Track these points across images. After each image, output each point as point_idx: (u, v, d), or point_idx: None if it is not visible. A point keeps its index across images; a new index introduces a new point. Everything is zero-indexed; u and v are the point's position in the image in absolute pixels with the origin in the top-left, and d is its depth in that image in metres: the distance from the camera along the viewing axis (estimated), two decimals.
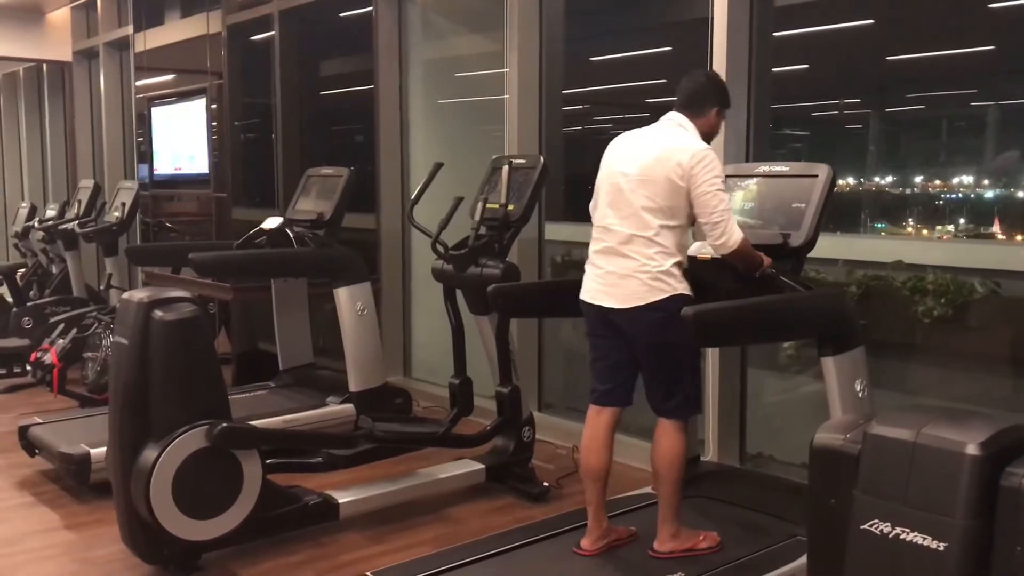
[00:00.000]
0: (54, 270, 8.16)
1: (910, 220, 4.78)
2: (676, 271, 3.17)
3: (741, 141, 4.41)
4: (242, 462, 3.55)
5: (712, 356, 4.38)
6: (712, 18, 4.36)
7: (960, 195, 4.63)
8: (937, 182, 4.77)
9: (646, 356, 3.26)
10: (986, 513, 1.76)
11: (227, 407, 3.57)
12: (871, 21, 4.63)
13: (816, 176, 3.36)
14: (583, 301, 3.35)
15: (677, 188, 3.12)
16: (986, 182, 4.48)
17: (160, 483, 3.35)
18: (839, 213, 4.88)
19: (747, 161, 4.36)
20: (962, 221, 4.63)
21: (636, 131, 3.36)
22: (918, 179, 4.84)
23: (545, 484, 4.41)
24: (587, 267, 3.37)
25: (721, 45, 4.31)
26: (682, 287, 3.17)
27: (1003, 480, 1.75)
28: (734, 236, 3.08)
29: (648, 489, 3.99)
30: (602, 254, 3.28)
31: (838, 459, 1.96)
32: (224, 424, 3.47)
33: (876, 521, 1.82)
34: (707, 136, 3.31)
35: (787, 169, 3.50)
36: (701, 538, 3.38)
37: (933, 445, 1.80)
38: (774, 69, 4.68)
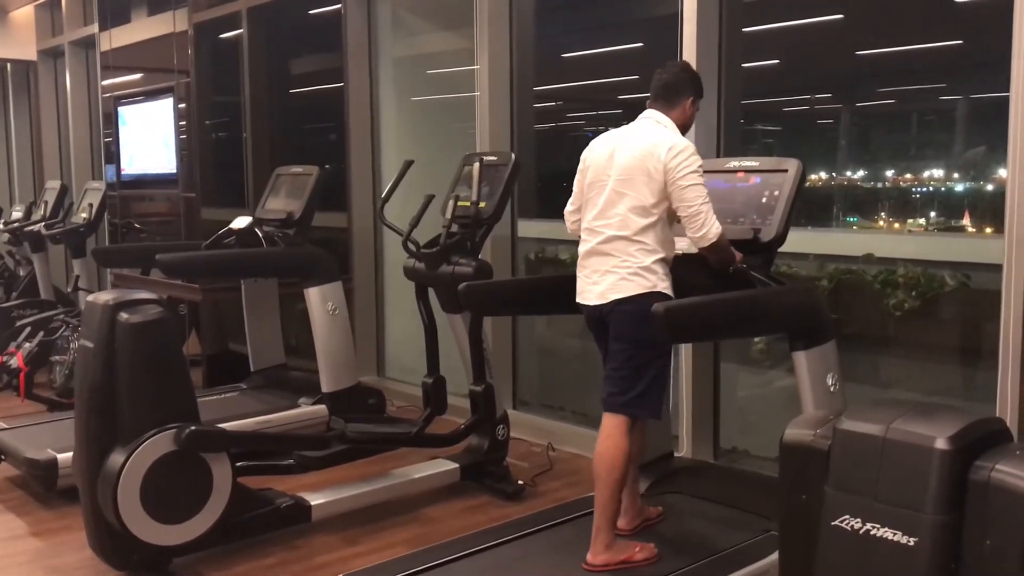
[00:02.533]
0: (21, 272, 8.04)
1: (882, 213, 4.80)
2: (658, 268, 3.15)
3: (712, 136, 4.41)
4: (211, 465, 3.50)
5: (685, 352, 4.39)
6: (682, 13, 4.35)
7: (931, 188, 4.65)
8: (908, 176, 4.79)
9: (613, 347, 3.21)
10: (956, 507, 1.76)
11: (196, 410, 3.52)
12: (840, 16, 4.64)
13: (786, 171, 3.36)
14: (579, 303, 3.33)
15: (658, 184, 3.11)
16: (956, 175, 4.51)
17: (128, 488, 3.30)
18: (811, 207, 4.90)
19: (718, 156, 4.37)
20: (933, 214, 4.65)
21: (614, 131, 3.35)
22: (889, 173, 4.86)
23: (520, 482, 4.40)
24: (577, 268, 3.35)
25: (691, 40, 4.32)
26: (663, 285, 3.14)
27: (972, 474, 1.75)
28: (713, 228, 3.07)
29: None
30: (588, 254, 3.27)
31: (808, 455, 1.96)
32: (192, 427, 3.43)
33: (847, 517, 1.82)
34: (683, 128, 3.31)
35: (757, 164, 3.49)
36: (637, 549, 3.26)
37: (903, 440, 1.80)
38: (745, 64, 4.69)
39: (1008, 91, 3.32)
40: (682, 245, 3.25)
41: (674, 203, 3.11)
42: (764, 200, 3.37)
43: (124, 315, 3.33)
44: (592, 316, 3.28)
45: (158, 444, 3.37)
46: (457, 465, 4.38)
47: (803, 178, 3.36)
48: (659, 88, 3.32)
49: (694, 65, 4.26)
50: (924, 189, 4.67)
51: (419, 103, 6.37)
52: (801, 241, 4.24)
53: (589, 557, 3.20)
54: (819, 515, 1.89)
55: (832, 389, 3.20)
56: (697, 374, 4.43)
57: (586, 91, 6.14)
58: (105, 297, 3.42)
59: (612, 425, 3.20)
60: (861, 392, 4.19)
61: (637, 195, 3.14)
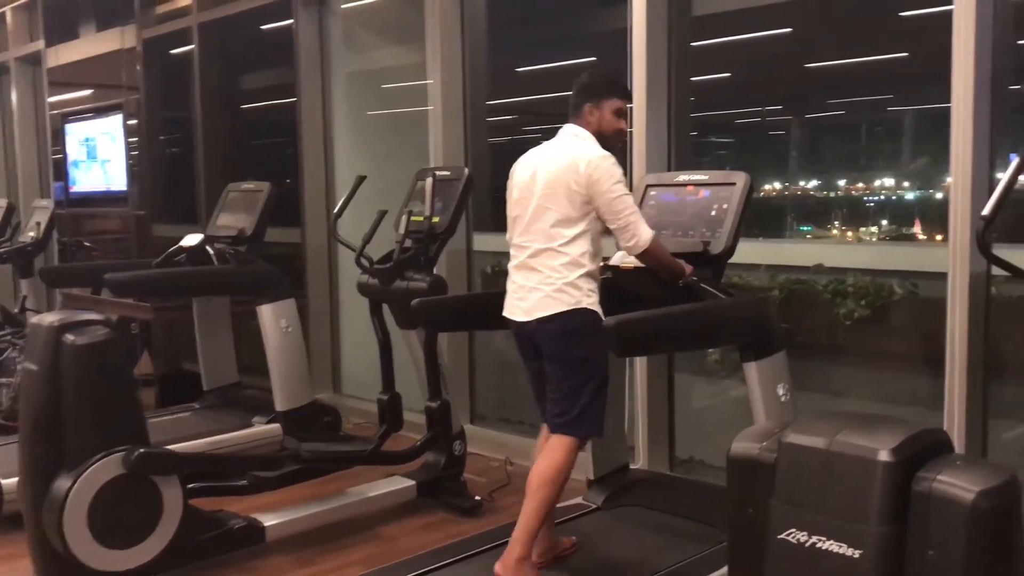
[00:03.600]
0: None
1: (835, 222, 4.87)
2: (583, 283, 3.13)
3: (663, 150, 4.44)
4: (161, 488, 3.44)
5: (640, 363, 4.40)
6: (631, 28, 4.38)
7: (882, 197, 4.73)
8: (860, 185, 4.87)
9: (548, 368, 3.21)
10: (899, 519, 1.78)
11: (145, 432, 3.46)
12: (789, 29, 4.71)
13: (734, 184, 3.39)
14: (504, 317, 3.33)
15: (579, 197, 3.12)
16: (906, 184, 4.59)
17: (74, 513, 3.23)
18: (765, 217, 4.96)
19: (668, 169, 4.40)
20: (885, 222, 4.72)
21: (535, 149, 3.35)
22: (841, 183, 4.94)
23: (477, 498, 4.38)
24: (507, 283, 3.35)
25: (640, 55, 4.35)
26: (589, 301, 3.13)
27: (915, 485, 1.77)
28: (644, 235, 3.09)
29: (579, 499, 3.99)
30: (516, 269, 3.28)
31: (755, 468, 1.97)
32: (141, 450, 3.37)
33: (793, 530, 1.83)
34: (605, 137, 3.26)
35: (706, 177, 3.52)
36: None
37: (846, 452, 1.81)
38: (697, 78, 4.74)
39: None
40: (631, 259, 3.26)
41: (603, 216, 3.12)
42: (713, 213, 3.40)
43: (70, 337, 3.27)
44: (519, 332, 3.27)
45: (106, 468, 3.30)
46: (413, 482, 4.35)
47: (751, 191, 3.38)
48: (569, 105, 3.33)
49: (643, 79, 4.32)
50: (876, 198, 4.75)
51: (373, 118, 6.34)
52: (752, 252, 4.30)
53: (497, 568, 3.13)
54: (766, 529, 1.90)
55: (783, 399, 3.22)
56: (652, 385, 4.44)
57: (542, 105, 6.16)
58: (50, 318, 3.36)
59: (557, 443, 3.18)
60: (813, 401, 4.23)
61: (561, 209, 3.14)
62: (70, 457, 3.28)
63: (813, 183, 5.13)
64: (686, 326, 3.01)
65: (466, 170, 4.34)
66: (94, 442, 3.30)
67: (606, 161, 3.13)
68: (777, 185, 5.21)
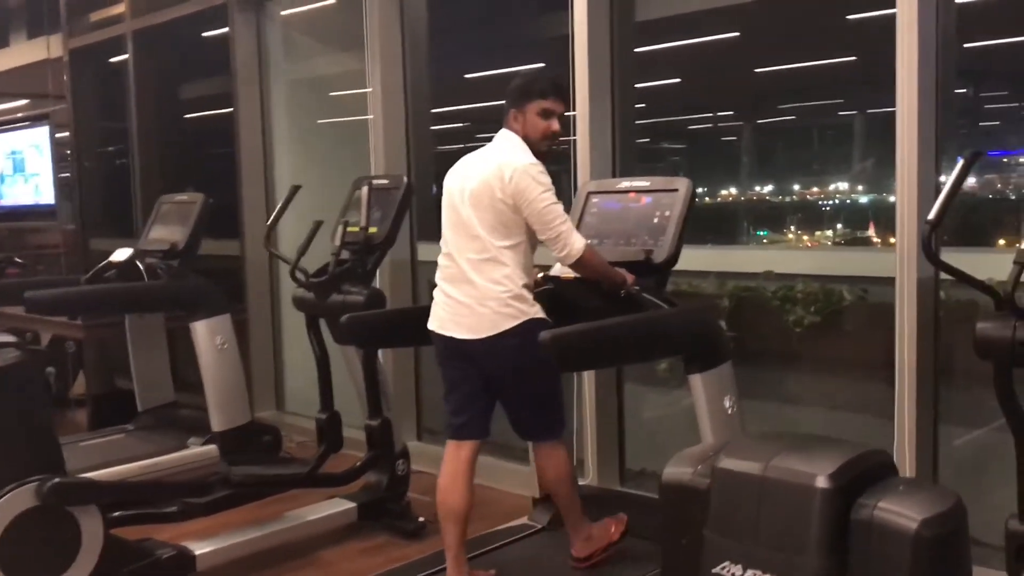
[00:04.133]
0: None
1: (791, 227, 4.82)
2: (526, 293, 3.08)
3: (607, 156, 4.33)
4: (79, 519, 3.25)
5: (588, 374, 4.28)
6: (572, 34, 4.29)
7: (837, 201, 4.69)
8: (815, 189, 4.83)
9: (507, 384, 3.15)
10: (839, 549, 1.66)
11: (60, 460, 3.27)
12: (736, 34, 4.64)
13: (676, 190, 3.29)
14: (431, 330, 3.22)
15: (505, 206, 3.04)
16: (860, 188, 4.55)
17: None
18: (721, 223, 4.90)
19: (614, 176, 4.29)
20: (840, 226, 4.68)
21: (467, 157, 3.27)
22: (796, 187, 4.89)
23: (421, 519, 4.21)
24: (435, 294, 3.24)
25: (582, 61, 4.25)
26: (534, 311, 3.09)
27: (854, 513, 1.66)
28: (575, 245, 3.00)
29: (524, 519, 3.86)
30: (448, 281, 3.17)
31: (687, 495, 1.84)
32: (56, 479, 3.17)
33: (727, 564, 1.71)
34: (532, 142, 3.15)
35: (648, 184, 3.42)
36: (612, 529, 3.42)
37: (782, 478, 1.69)
38: (646, 84, 4.65)
39: None
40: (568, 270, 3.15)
41: (533, 226, 3.04)
42: (656, 220, 3.30)
43: None
44: (452, 347, 3.17)
45: (17, 500, 3.12)
46: (354, 504, 4.19)
47: (694, 197, 3.30)
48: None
49: (586, 86, 4.21)
50: (831, 202, 4.71)
51: (315, 127, 6.18)
52: (701, 259, 4.22)
53: (574, 552, 3.37)
54: (700, 560, 1.77)
55: (730, 411, 3.12)
56: (600, 397, 4.33)
57: (492, 112, 6.05)
58: None
59: (548, 449, 3.26)
60: (764, 409, 4.16)
61: (490, 220, 3.06)
62: None
63: (768, 188, 5.08)
64: (627, 338, 2.90)
65: (405, 178, 4.21)
66: (4, 472, 3.11)
67: (532, 169, 3.03)
68: (733, 190, 5.15)
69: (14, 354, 3.16)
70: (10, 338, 3.25)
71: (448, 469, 3.26)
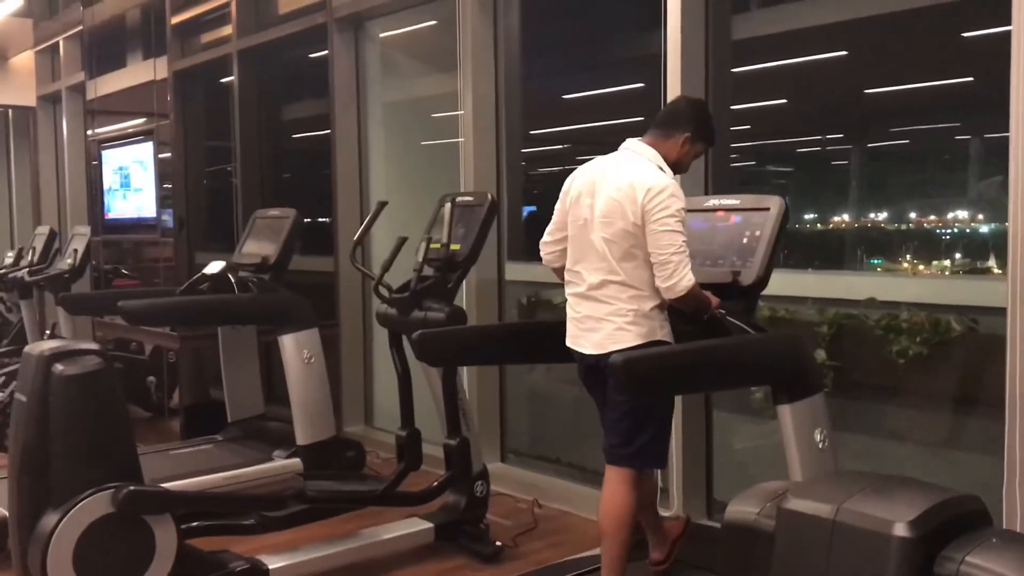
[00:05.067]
0: (14, 319, 7.92)
1: (907, 256, 4.60)
2: (655, 314, 2.99)
3: (699, 179, 4.19)
4: (154, 528, 3.28)
5: (676, 401, 4.12)
6: (665, 53, 4.18)
7: (956, 230, 4.46)
8: (932, 217, 4.60)
9: (615, 399, 3.03)
10: None
11: (137, 468, 3.30)
12: (844, 53, 4.45)
13: (768, 209, 3.13)
14: (567, 347, 3.17)
15: (636, 227, 2.95)
16: (981, 216, 4.31)
17: (59, 553, 3.09)
18: (831, 250, 4.71)
19: None
20: (958, 256, 4.45)
21: (592, 165, 3.17)
22: (912, 214, 4.67)
23: (498, 543, 4.13)
24: (567, 309, 3.20)
25: (675, 81, 4.13)
26: (663, 332, 2.99)
27: (937, 567, 1.46)
28: (684, 281, 2.88)
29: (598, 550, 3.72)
30: (577, 298, 3.14)
31: (751, 537, 1.69)
32: (132, 487, 3.21)
33: None
34: (676, 165, 3.14)
35: (738, 203, 3.27)
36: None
37: (855, 524, 1.51)
38: (751, 104, 4.54)
39: None
40: None
41: (648, 246, 2.93)
42: (745, 241, 3.14)
43: (60, 367, 3.14)
44: (586, 365, 3.13)
45: (94, 506, 3.15)
46: (431, 525, 4.12)
47: (787, 217, 3.13)
48: (657, 118, 3.18)
49: None
50: (949, 231, 4.48)
51: (409, 147, 6.21)
52: (799, 284, 4.08)
53: None
54: None
55: (821, 446, 2.94)
56: (688, 425, 4.17)
57: (590, 133, 5.99)
58: (43, 347, 3.24)
59: (617, 479, 3.09)
60: (863, 444, 3.94)
61: (621, 239, 2.98)
62: (57, 493, 3.14)
63: (883, 215, 4.86)
64: (708, 364, 2.75)
65: (489, 196, 4.14)
66: (82, 478, 3.16)
67: (667, 190, 2.95)
68: (846, 217, 4.95)
69: (95, 361, 3.21)
70: (93, 345, 3.29)
71: (607, 493, 3.15)
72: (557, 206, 3.24)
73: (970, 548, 1.46)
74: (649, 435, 3.06)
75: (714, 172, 4.24)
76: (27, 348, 3.32)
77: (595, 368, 3.08)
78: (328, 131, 6.23)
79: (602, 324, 3.02)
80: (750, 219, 3.17)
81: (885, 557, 1.45)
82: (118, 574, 3.21)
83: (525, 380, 5.46)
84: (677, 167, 3.15)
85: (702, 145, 3.22)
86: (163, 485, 3.57)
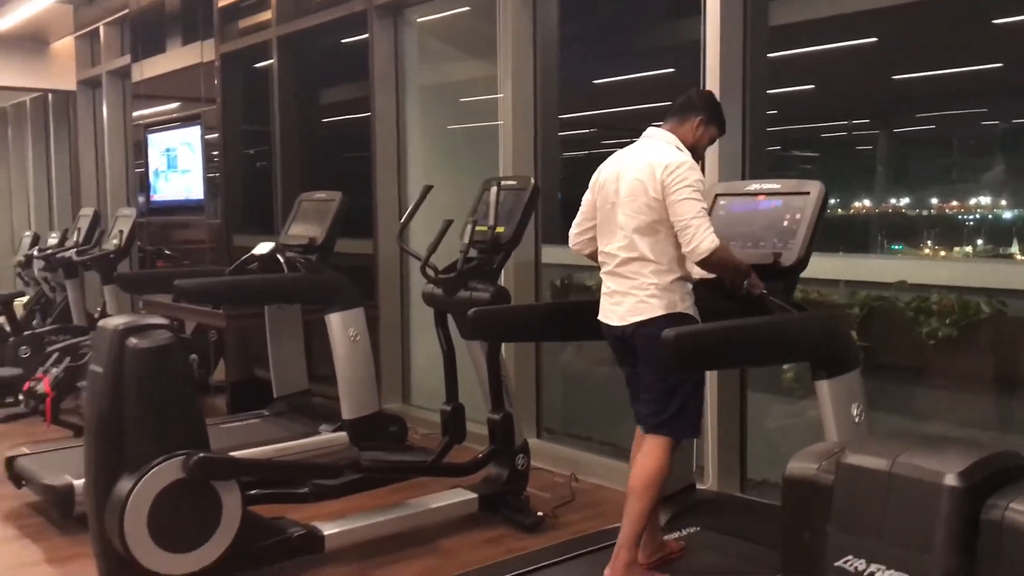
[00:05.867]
0: (57, 298, 8.15)
1: (928, 242, 4.67)
2: (677, 287, 3.13)
3: (736, 162, 4.31)
4: (221, 493, 3.45)
5: (710, 379, 4.26)
6: (704, 39, 4.28)
7: (978, 216, 4.53)
8: (955, 203, 4.67)
9: (643, 371, 3.20)
10: (967, 549, 1.63)
11: (205, 437, 3.48)
12: (874, 39, 4.53)
13: (808, 193, 3.27)
14: (599, 322, 3.32)
15: (657, 203, 3.10)
16: (1004, 203, 4.38)
17: (134, 516, 3.26)
18: (853, 235, 4.79)
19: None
20: (980, 242, 4.52)
21: (618, 154, 3.33)
22: (934, 200, 4.74)
23: (539, 514, 4.29)
24: (601, 289, 3.35)
25: (714, 67, 4.24)
26: (684, 305, 3.13)
27: (984, 513, 1.62)
28: (704, 242, 3.00)
29: None
30: (607, 275, 3.29)
31: (811, 491, 1.84)
32: (201, 454, 3.38)
33: (850, 558, 1.70)
34: (693, 149, 3.27)
35: (779, 187, 3.41)
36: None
37: (909, 475, 1.67)
38: (778, 90, 4.60)
39: None
40: (697, 270, 3.16)
41: (671, 217, 3.08)
42: (785, 224, 3.28)
43: (133, 340, 3.31)
44: (614, 337, 3.28)
45: (165, 471, 3.32)
46: (475, 495, 4.28)
47: (826, 201, 3.26)
48: (672, 106, 3.33)
49: (717, 91, 4.19)
50: (972, 217, 4.54)
51: (447, 131, 6.35)
52: (831, 266, 4.15)
53: (607, 574, 3.18)
54: (822, 555, 1.77)
55: (857, 420, 3.07)
56: (723, 402, 4.30)
57: (620, 118, 6.08)
58: (115, 322, 3.41)
59: (652, 443, 3.21)
60: (893, 423, 4.05)
61: (642, 216, 3.13)
62: (131, 459, 3.31)
63: (904, 200, 4.93)
64: (752, 340, 2.89)
65: (532, 180, 4.28)
66: (154, 445, 3.33)
67: (684, 164, 3.10)
68: (867, 202, 5.03)
69: (166, 335, 3.38)
70: (163, 320, 3.47)
71: (641, 455, 3.29)
72: (585, 197, 3.39)
73: (1014, 496, 1.62)
74: (678, 405, 3.17)
75: (751, 157, 4.35)
76: (101, 323, 3.50)
77: (621, 339, 3.24)
78: (364, 115, 6.36)
79: (626, 297, 3.18)
80: (791, 203, 3.30)
81: (937, 505, 1.60)
82: (188, 537, 3.37)
83: (558, 361, 5.61)
84: (694, 151, 3.27)
85: (715, 129, 3.35)
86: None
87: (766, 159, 4.59)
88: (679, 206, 3.04)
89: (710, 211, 3.49)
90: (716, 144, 4.16)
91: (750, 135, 4.35)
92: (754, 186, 3.48)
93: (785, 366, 4.35)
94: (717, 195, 3.57)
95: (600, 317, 3.31)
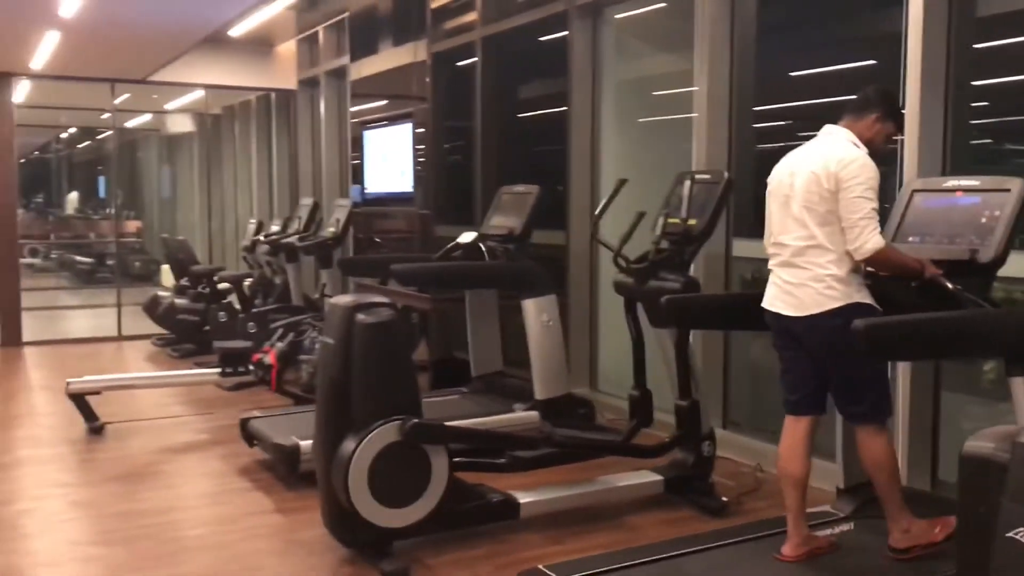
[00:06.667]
0: (277, 281, 8.92)
1: None
2: (852, 278, 3.22)
3: (937, 157, 4.27)
4: (431, 457, 3.79)
5: (902, 375, 4.26)
6: (906, 30, 4.26)
7: None
8: None
9: (829, 364, 3.30)
10: None
11: (419, 405, 3.84)
12: None
13: (1009, 191, 3.25)
14: (764, 309, 3.45)
15: (831, 193, 3.20)
16: None
17: (357, 472, 3.65)
18: None
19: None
20: None
21: (793, 152, 3.45)
22: None
23: (724, 499, 4.41)
24: (770, 278, 3.48)
25: (916, 57, 4.21)
26: (860, 295, 3.22)
27: None
28: (869, 243, 3.11)
29: (827, 507, 3.95)
30: (779, 266, 3.40)
31: (987, 467, 1.94)
32: (416, 420, 3.74)
33: (1021, 529, 1.80)
34: (870, 145, 3.34)
35: (977, 183, 3.40)
36: (937, 530, 3.39)
37: None
38: (992, 81, 4.51)
39: None
40: None
41: (840, 212, 3.18)
42: (983, 220, 3.29)
43: (361, 316, 3.71)
44: (781, 326, 3.39)
45: (385, 434, 3.70)
46: (661, 477, 4.45)
47: None
48: (850, 104, 3.42)
49: (918, 83, 4.19)
50: None
51: (640, 125, 6.52)
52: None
53: (891, 543, 3.38)
54: (995, 527, 1.87)
55: None
56: (915, 399, 4.28)
57: (816, 110, 6.03)
58: (345, 299, 3.83)
59: (865, 435, 3.34)
60: None
61: (818, 205, 3.23)
62: (356, 422, 3.70)
63: None
64: (943, 333, 2.94)
65: (725, 174, 4.41)
66: (376, 410, 3.71)
67: (858, 161, 3.20)
68: None
69: (389, 312, 3.78)
70: (387, 299, 3.86)
71: (787, 441, 3.49)
72: (767, 204, 3.49)
73: None
74: (877, 390, 3.30)
75: (953, 150, 4.29)
76: (332, 300, 3.93)
77: (789, 330, 3.35)
78: (559, 110, 6.61)
79: (801, 289, 3.27)
80: (989, 200, 3.30)
81: None
82: (402, 494, 3.74)
83: (746, 355, 5.67)
84: (870, 146, 3.34)
85: (892, 125, 3.41)
86: None
87: (972, 153, 4.50)
88: (850, 203, 3.15)
89: (906, 206, 3.56)
90: (915, 139, 4.20)
91: (952, 129, 4.29)
92: (952, 182, 3.49)
93: (986, 367, 4.28)
94: (914, 191, 3.60)
95: (765, 304, 3.43)
